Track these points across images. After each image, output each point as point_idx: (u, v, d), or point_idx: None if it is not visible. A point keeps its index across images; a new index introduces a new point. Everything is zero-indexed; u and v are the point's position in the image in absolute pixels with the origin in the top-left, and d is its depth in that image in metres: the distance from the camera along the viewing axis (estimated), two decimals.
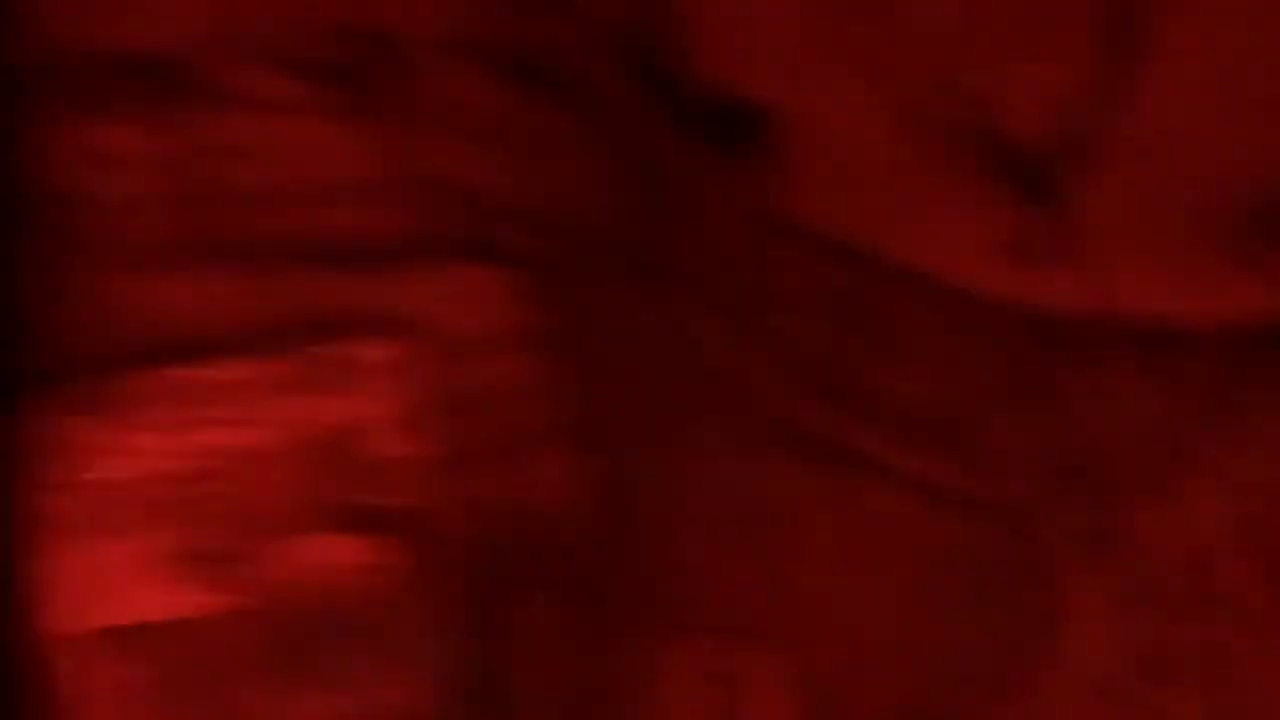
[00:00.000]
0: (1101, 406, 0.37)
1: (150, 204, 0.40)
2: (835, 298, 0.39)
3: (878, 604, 0.39)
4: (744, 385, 0.38)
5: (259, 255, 0.39)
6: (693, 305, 0.39)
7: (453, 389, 0.37)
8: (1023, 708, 0.40)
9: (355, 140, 0.37)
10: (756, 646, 0.40)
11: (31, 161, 0.41)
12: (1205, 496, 0.40)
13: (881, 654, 0.39)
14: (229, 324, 0.39)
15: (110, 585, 0.38)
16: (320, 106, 0.37)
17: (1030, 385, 0.39)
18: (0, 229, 0.42)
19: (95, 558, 0.37)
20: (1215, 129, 0.38)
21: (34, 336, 0.41)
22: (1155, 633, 0.40)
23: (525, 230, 0.37)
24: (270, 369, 0.38)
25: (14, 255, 0.42)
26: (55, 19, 0.40)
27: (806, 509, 0.39)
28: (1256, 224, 0.39)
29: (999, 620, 0.38)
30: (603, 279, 0.38)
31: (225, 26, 0.39)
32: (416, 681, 0.38)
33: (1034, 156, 0.38)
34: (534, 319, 0.37)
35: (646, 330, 0.38)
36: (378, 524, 0.38)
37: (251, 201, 0.39)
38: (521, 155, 0.38)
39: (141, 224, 0.40)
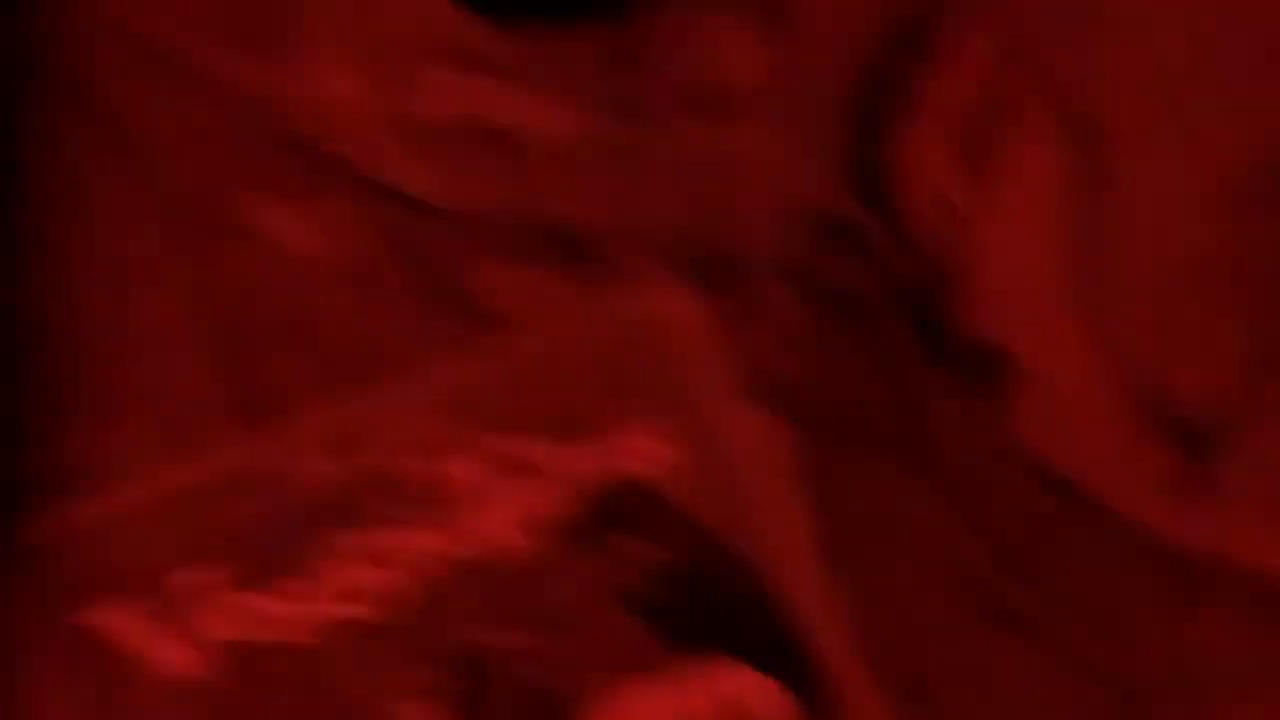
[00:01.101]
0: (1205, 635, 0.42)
1: None
2: (1031, 515, 0.45)
3: None
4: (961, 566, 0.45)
5: None
6: (923, 493, 0.46)
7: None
8: None
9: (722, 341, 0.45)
10: None
11: None
12: None
13: None
14: None
15: None
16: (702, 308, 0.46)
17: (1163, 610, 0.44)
18: None
19: None
20: None
21: None
22: None
23: (815, 410, 0.45)
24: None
25: None
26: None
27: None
28: None
29: None
30: (867, 465, 0.46)
31: (625, 212, 0.48)
32: None
33: (1195, 420, 0.45)
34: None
35: (900, 511, 0.45)
36: None
37: None
38: (818, 357, 0.46)
39: None
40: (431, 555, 0.37)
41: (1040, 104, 0.45)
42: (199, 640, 0.36)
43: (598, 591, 0.36)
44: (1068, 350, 0.44)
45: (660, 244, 0.47)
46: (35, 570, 0.35)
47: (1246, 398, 0.43)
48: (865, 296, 0.47)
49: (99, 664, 0.35)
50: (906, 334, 0.47)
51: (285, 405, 0.42)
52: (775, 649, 0.38)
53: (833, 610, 0.41)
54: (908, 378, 0.47)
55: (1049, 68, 0.45)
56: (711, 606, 0.37)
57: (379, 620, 0.36)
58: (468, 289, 0.48)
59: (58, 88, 0.54)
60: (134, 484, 0.38)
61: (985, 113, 0.46)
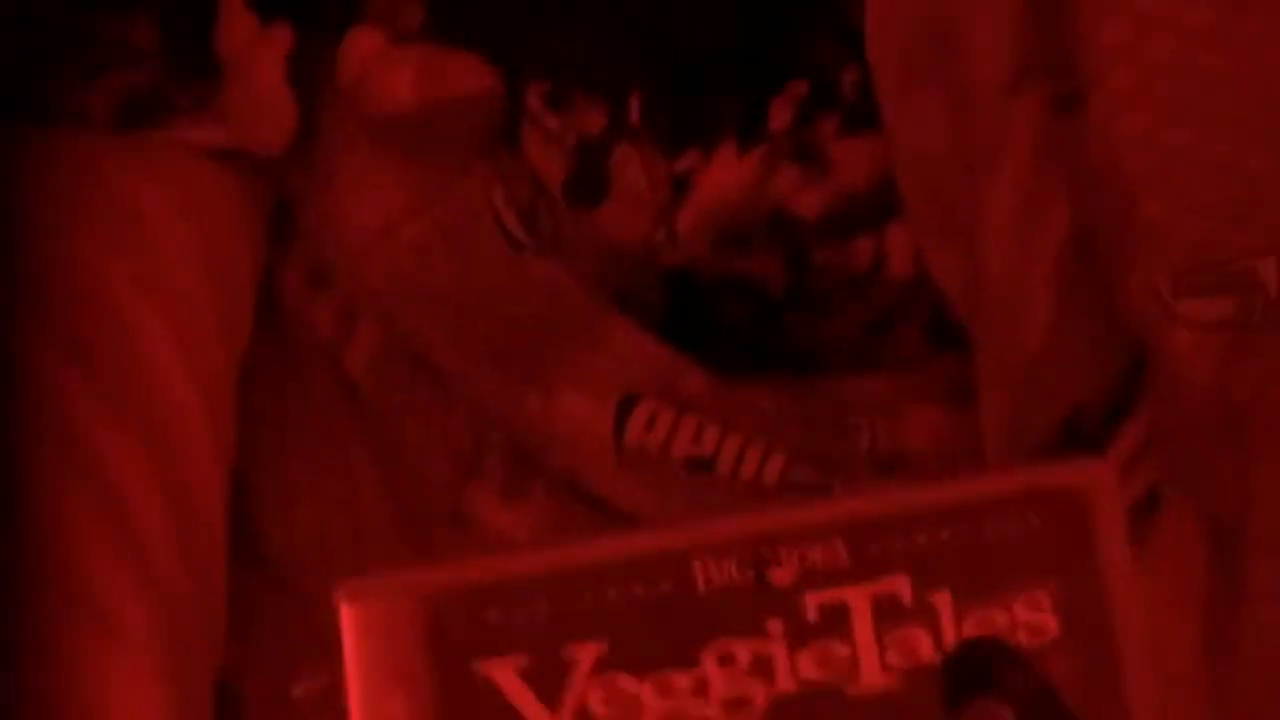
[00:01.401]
0: None
1: None
2: None
3: None
4: None
5: None
6: None
7: None
8: None
9: None
10: None
11: None
12: None
13: None
14: None
15: None
16: None
17: None
18: None
19: None
20: None
21: None
22: None
23: None
24: None
25: None
26: None
27: None
28: None
29: None
30: None
31: None
32: None
33: None
34: None
35: None
36: None
37: None
38: None
39: None
40: (808, 680, 0.38)
41: (1183, 500, 0.50)
42: (572, 709, 0.37)
43: None
44: None
45: None
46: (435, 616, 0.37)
47: None
48: None
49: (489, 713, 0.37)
50: None
51: None
52: None
53: None
54: None
55: (1204, 471, 0.49)
56: None
57: None
58: None
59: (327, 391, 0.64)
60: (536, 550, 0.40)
61: (1136, 501, 0.51)
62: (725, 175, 0.58)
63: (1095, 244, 0.51)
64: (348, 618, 0.38)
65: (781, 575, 0.39)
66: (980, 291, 0.54)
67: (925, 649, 0.38)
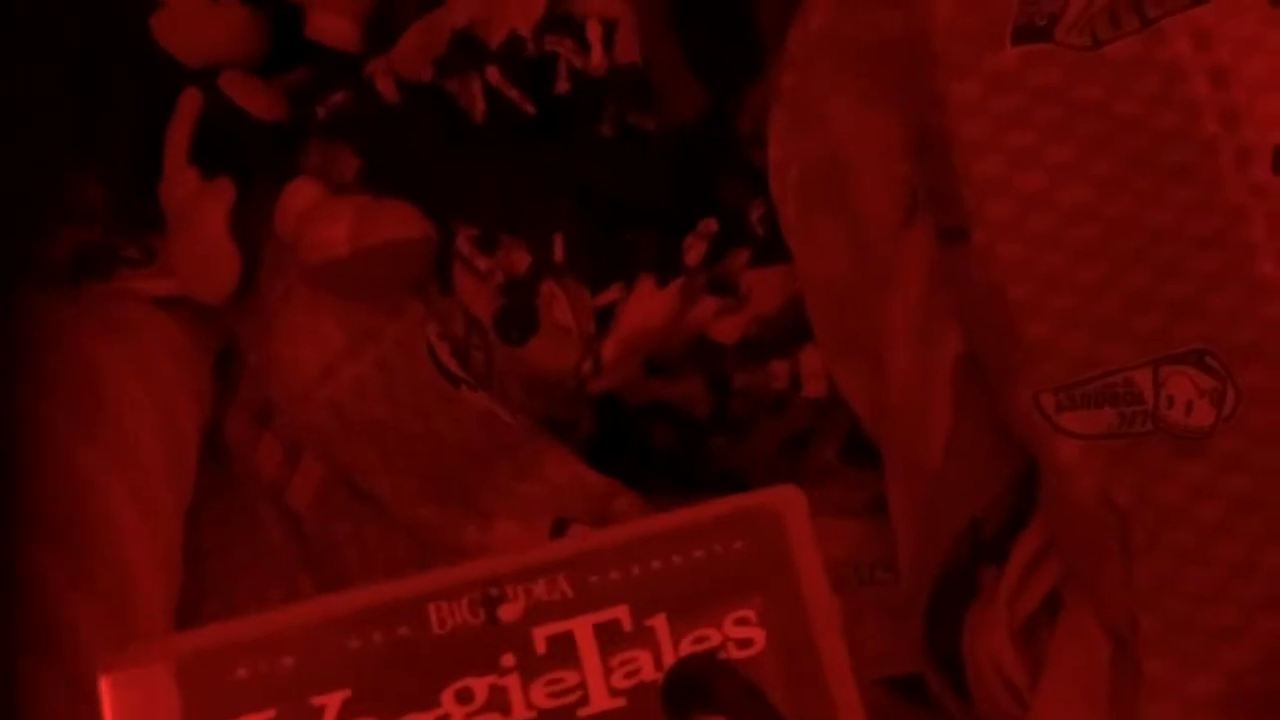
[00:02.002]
0: None
1: None
2: None
3: None
4: None
5: None
6: None
7: None
8: None
9: None
10: None
11: None
12: None
13: None
14: None
15: None
16: None
17: None
18: None
19: None
20: None
21: None
22: None
23: None
24: None
25: None
26: None
27: None
28: None
29: None
30: None
31: None
32: None
33: None
34: None
35: None
36: None
37: None
38: None
39: None
40: (542, 708, 0.40)
41: (1081, 603, 0.53)
42: None
43: None
44: None
45: None
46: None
47: None
48: None
49: None
50: None
51: None
52: None
53: None
54: None
55: (1094, 575, 0.53)
56: None
57: None
58: None
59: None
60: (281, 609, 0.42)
61: (1037, 607, 0.54)
62: (646, 307, 0.62)
63: (984, 363, 0.54)
64: (106, 687, 0.40)
65: (511, 611, 0.41)
66: (885, 408, 0.58)
67: (647, 669, 0.41)
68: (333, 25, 0.67)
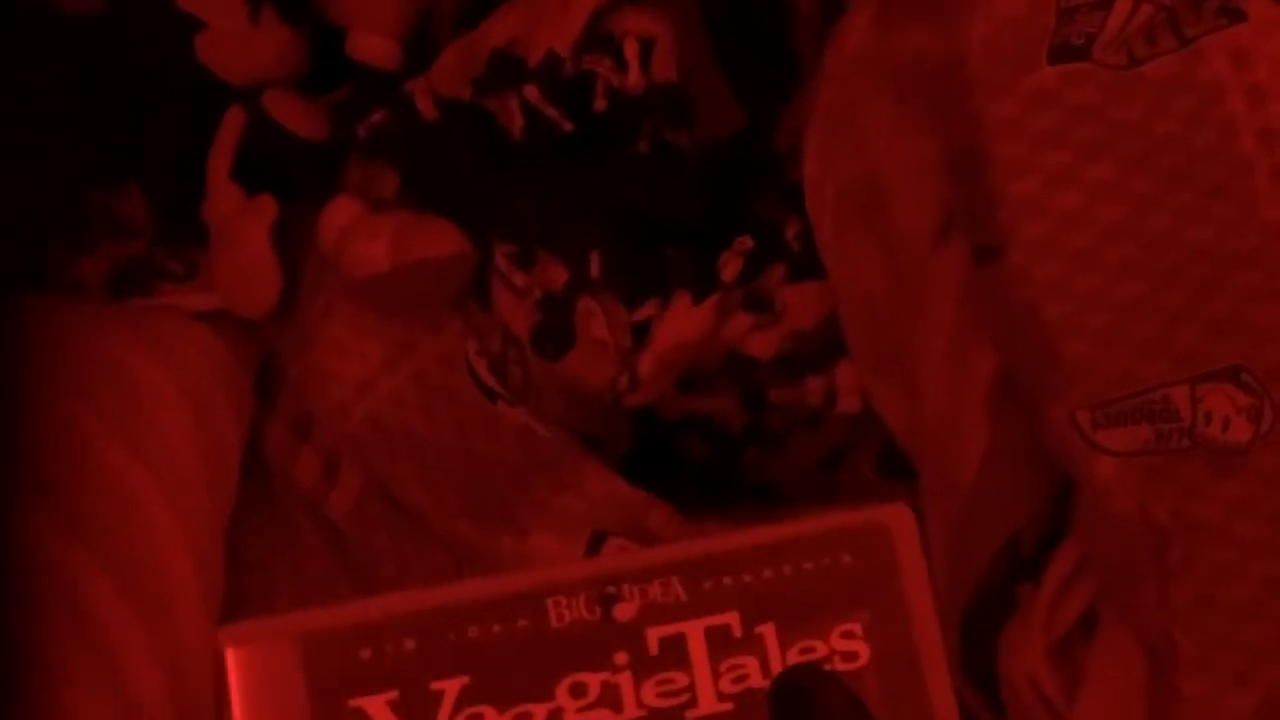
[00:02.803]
0: None
1: None
2: None
3: None
4: None
5: None
6: None
7: None
8: None
9: None
10: None
11: None
12: None
13: None
14: None
15: None
16: None
17: None
18: None
19: None
20: None
21: None
22: None
23: None
24: None
25: None
26: None
27: None
28: None
29: None
30: None
31: None
32: None
33: None
34: None
35: None
36: None
37: None
38: None
39: None
40: (652, 707, 0.41)
41: (1117, 620, 0.53)
42: None
43: None
44: None
45: None
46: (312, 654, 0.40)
47: None
48: None
49: None
50: None
51: None
52: None
53: None
54: None
55: (1130, 592, 0.53)
56: None
57: None
58: None
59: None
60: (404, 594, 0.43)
61: (1073, 625, 0.54)
62: (681, 322, 0.63)
63: (1020, 381, 0.54)
64: (232, 660, 0.42)
65: (626, 611, 0.43)
66: (920, 425, 0.58)
67: (755, 676, 0.42)
68: (373, 44, 0.67)
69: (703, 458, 0.67)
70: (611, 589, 0.42)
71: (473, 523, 0.64)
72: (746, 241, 0.62)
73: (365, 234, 0.65)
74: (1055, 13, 0.52)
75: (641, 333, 0.63)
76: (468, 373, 0.66)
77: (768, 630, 0.43)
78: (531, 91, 0.63)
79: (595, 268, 0.63)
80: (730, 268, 0.62)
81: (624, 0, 0.63)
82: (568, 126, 0.63)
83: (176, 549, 0.62)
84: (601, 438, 0.67)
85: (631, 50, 0.63)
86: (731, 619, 0.43)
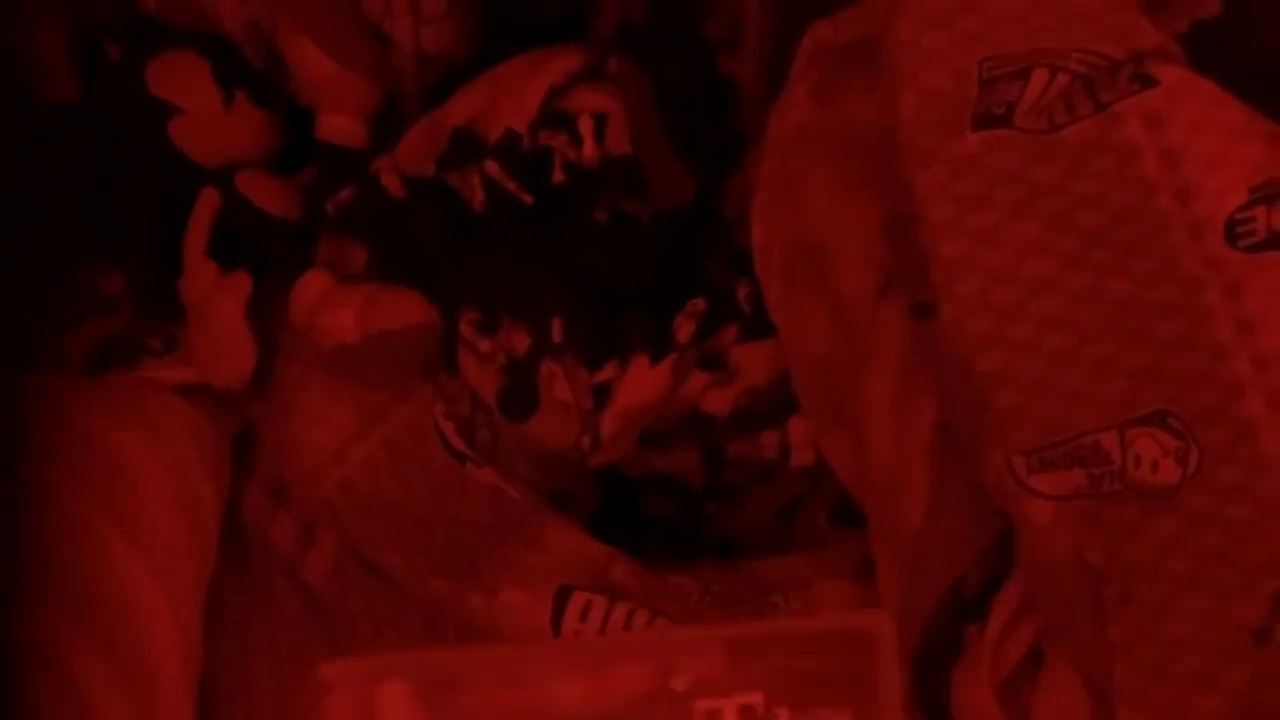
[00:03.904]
0: None
1: None
2: None
3: None
4: None
5: None
6: None
7: None
8: None
9: None
10: None
11: None
12: None
13: None
14: None
15: None
16: None
17: None
18: None
19: None
20: None
21: None
22: None
23: None
24: None
25: None
26: None
27: None
28: None
29: None
30: None
31: None
32: None
33: None
34: None
35: None
36: None
37: None
38: None
39: None
40: None
41: (1061, 656, 0.55)
42: None
43: None
44: None
45: None
46: None
47: None
48: None
49: None
50: None
51: None
52: None
53: None
54: None
55: (1070, 630, 0.55)
56: None
57: None
58: None
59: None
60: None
61: (1019, 662, 0.57)
62: (641, 383, 0.65)
63: (959, 429, 0.57)
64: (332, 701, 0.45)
65: (681, 681, 0.47)
66: (868, 474, 0.61)
67: None
68: (341, 125, 0.70)
69: (666, 513, 0.69)
70: (670, 662, 0.47)
71: (444, 581, 0.67)
72: (700, 304, 0.65)
73: (334, 306, 0.68)
74: (978, 84, 0.56)
75: (603, 394, 0.66)
76: (437, 437, 0.69)
77: (783, 712, 0.47)
78: (492, 167, 0.66)
79: (557, 332, 0.65)
80: (685, 329, 0.65)
81: (578, 79, 0.66)
82: (528, 199, 0.66)
83: (159, 619, 0.64)
84: (569, 496, 0.69)
85: (586, 126, 0.66)
86: (757, 699, 0.47)
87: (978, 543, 0.57)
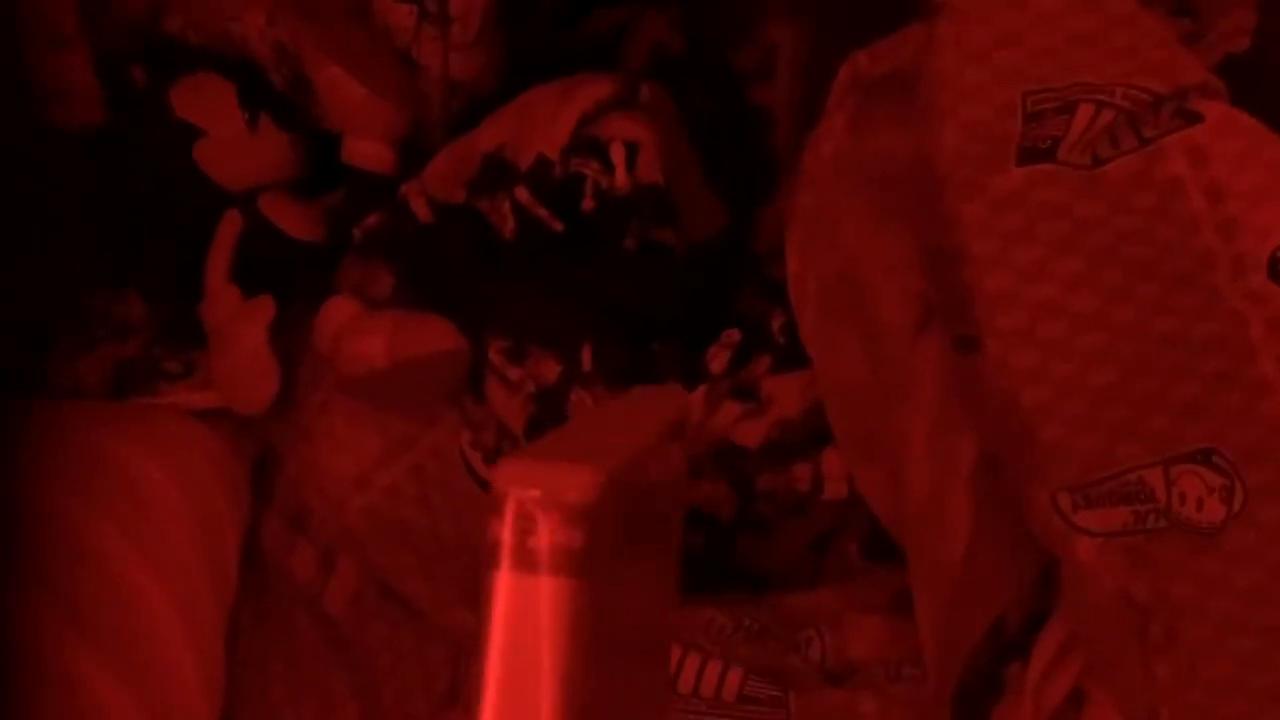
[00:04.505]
0: None
1: None
2: None
3: None
4: None
5: None
6: None
7: None
8: None
9: None
10: None
11: None
12: None
13: None
14: None
15: None
16: None
17: None
18: None
19: None
20: None
21: None
22: None
23: None
24: None
25: None
26: None
27: None
28: None
29: None
30: None
31: None
32: None
33: None
34: None
35: None
36: None
37: None
38: None
39: None
40: None
41: (1104, 696, 0.55)
42: None
43: None
44: None
45: None
46: None
47: None
48: None
49: None
50: None
51: None
52: None
53: None
54: None
55: (1114, 670, 0.55)
56: None
57: None
58: None
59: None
60: None
61: (1061, 702, 0.56)
62: None
63: (1003, 464, 0.57)
64: None
65: None
66: (905, 510, 0.60)
67: None
68: (369, 150, 0.70)
69: (695, 546, 0.68)
70: None
71: (469, 613, 0.66)
72: (734, 334, 0.65)
73: (363, 332, 0.67)
74: (1021, 118, 0.55)
75: None
76: (463, 465, 0.68)
77: None
78: (522, 193, 0.66)
79: (587, 361, 0.65)
80: (718, 360, 0.65)
81: (610, 106, 0.66)
82: (558, 226, 0.65)
83: (179, 645, 0.63)
84: None
85: (618, 153, 0.65)
86: None
87: (1019, 581, 0.56)
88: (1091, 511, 0.54)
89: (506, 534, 0.36)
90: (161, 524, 0.66)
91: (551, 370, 0.65)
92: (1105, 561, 0.53)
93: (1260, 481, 0.52)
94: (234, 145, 0.70)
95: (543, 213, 0.65)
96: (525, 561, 0.36)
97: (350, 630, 0.69)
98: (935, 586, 0.58)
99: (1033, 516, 0.55)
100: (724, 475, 0.66)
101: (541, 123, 0.65)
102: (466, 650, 0.66)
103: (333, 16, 0.69)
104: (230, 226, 0.70)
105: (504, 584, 0.36)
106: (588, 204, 0.65)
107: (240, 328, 0.69)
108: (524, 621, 0.36)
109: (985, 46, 0.56)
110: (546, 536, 0.35)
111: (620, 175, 0.65)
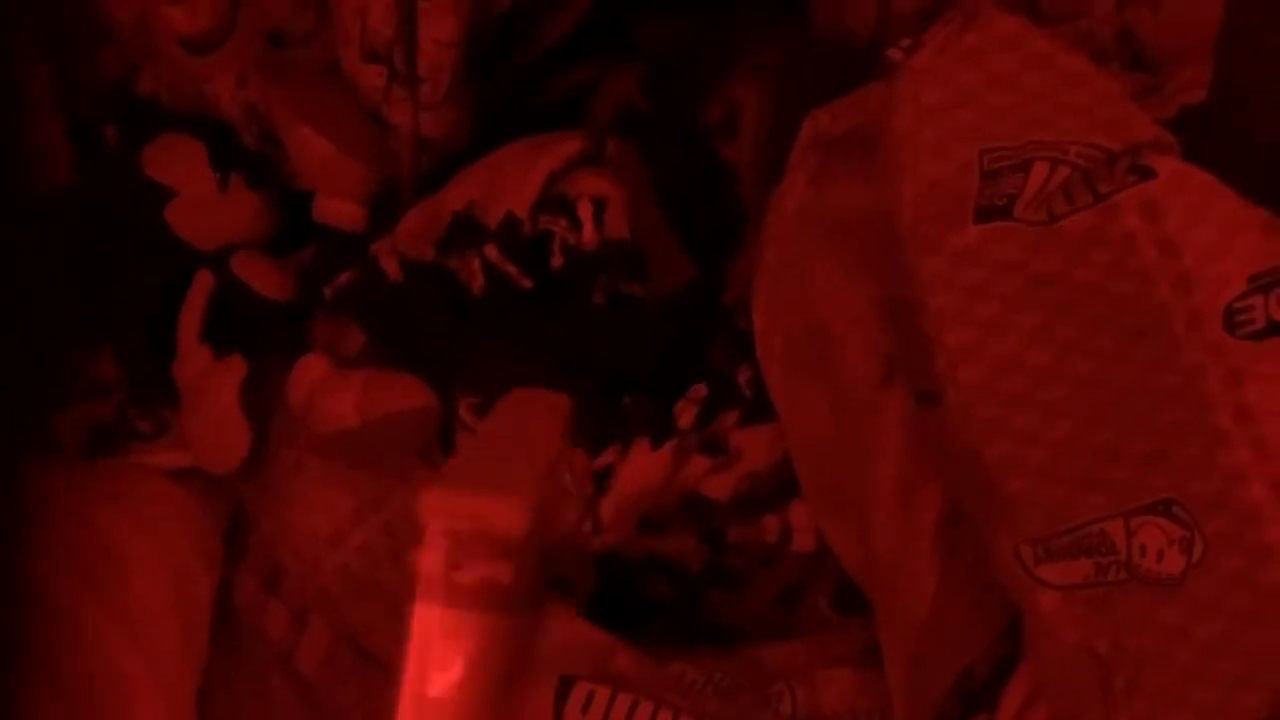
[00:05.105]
0: None
1: None
2: None
3: None
4: None
5: None
6: None
7: None
8: None
9: None
10: None
11: None
12: None
13: None
14: None
15: None
16: None
17: None
18: None
19: None
20: None
21: None
22: None
23: None
24: None
25: None
26: None
27: None
28: None
29: None
30: None
31: None
32: None
33: None
34: None
35: None
36: None
37: None
38: None
39: None
40: None
41: None
42: None
43: None
44: None
45: None
46: None
47: None
48: None
49: None
50: None
51: None
52: None
53: None
54: None
55: (1076, 716, 0.55)
56: None
57: None
58: None
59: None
60: None
61: None
62: (641, 468, 0.65)
63: (968, 516, 0.57)
64: None
65: None
66: (872, 562, 0.61)
67: None
68: (340, 209, 0.71)
69: (665, 598, 0.69)
70: None
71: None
72: (701, 389, 0.65)
73: (334, 390, 0.67)
74: (979, 176, 0.56)
75: (603, 479, 0.66)
76: None
77: None
78: (491, 251, 0.66)
79: None
80: (686, 414, 0.65)
81: (577, 163, 0.67)
82: (527, 283, 0.66)
83: (149, 703, 0.63)
84: (568, 581, 0.69)
85: (585, 210, 0.66)
86: None
87: (986, 631, 0.57)
88: (1053, 564, 0.54)
89: (433, 566, 0.36)
90: (133, 583, 0.66)
91: None
92: (1067, 614, 0.53)
93: (1218, 531, 0.52)
94: (205, 205, 0.70)
95: (512, 270, 0.66)
96: (452, 596, 0.36)
97: (323, 690, 0.69)
98: (903, 638, 0.59)
99: (998, 568, 0.56)
100: (693, 528, 0.66)
101: (510, 180, 0.66)
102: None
103: (303, 77, 0.70)
104: (201, 286, 0.70)
105: (428, 618, 0.36)
106: (556, 261, 0.66)
107: (211, 387, 0.70)
108: (447, 658, 0.36)
109: (943, 105, 0.57)
110: (475, 571, 0.35)
111: (588, 231, 0.66)
